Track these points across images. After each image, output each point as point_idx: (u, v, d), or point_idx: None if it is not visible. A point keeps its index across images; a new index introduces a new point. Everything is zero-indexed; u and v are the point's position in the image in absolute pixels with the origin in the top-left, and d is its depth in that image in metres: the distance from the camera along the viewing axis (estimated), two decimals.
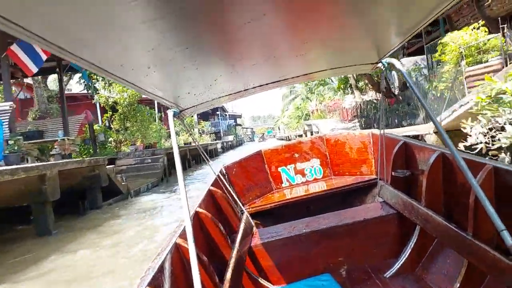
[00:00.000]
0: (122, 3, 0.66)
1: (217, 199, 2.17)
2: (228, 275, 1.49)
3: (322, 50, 1.48)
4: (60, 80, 11.04)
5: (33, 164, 5.64)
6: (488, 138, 3.87)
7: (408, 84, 1.60)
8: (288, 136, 34.62)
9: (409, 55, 14.34)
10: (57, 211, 6.96)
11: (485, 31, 6.76)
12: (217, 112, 40.15)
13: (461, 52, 6.82)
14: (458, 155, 1.28)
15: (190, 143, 17.72)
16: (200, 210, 1.75)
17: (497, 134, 3.75)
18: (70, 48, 0.78)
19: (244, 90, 1.80)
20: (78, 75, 12.85)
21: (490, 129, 3.87)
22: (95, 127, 12.37)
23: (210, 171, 2.44)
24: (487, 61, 6.53)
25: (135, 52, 0.95)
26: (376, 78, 12.57)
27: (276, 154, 3.37)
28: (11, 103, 7.19)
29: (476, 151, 3.96)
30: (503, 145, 3.63)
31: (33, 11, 0.61)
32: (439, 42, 7.96)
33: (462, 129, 4.15)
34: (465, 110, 4.99)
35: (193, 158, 16.43)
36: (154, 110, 17.81)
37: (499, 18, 7.25)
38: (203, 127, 30.62)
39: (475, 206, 1.40)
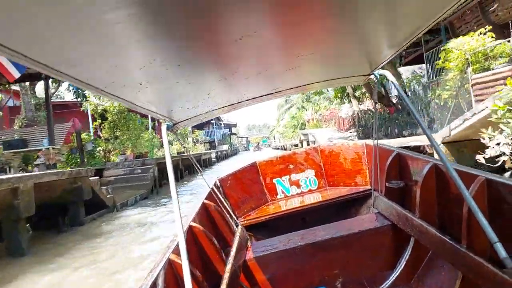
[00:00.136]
0: (110, 23, 0.65)
1: (211, 213, 2.16)
2: None
3: (314, 63, 1.49)
4: (46, 86, 10.56)
5: (5, 176, 5.11)
6: None
7: (399, 95, 1.50)
8: (283, 146, 34.28)
9: (407, 64, 14.18)
10: (36, 227, 6.41)
11: (492, 37, 6.45)
12: (212, 121, 39.65)
13: (467, 59, 6.50)
14: (450, 166, 1.34)
15: (183, 152, 17.21)
16: (194, 224, 1.74)
17: None
18: (56, 65, 0.75)
19: (238, 103, 1.83)
20: (67, 82, 12.38)
21: None
22: (83, 135, 11.80)
23: (204, 182, 2.41)
24: (492, 68, 6.23)
25: (126, 70, 0.95)
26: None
27: (271, 166, 3.34)
28: None
29: (498, 164, 3.56)
30: None
31: (14, 29, 0.59)
32: (442, 49, 7.67)
33: (481, 139, 3.75)
34: (478, 118, 4.61)
35: (186, 169, 15.92)
36: (147, 119, 17.30)
37: (504, 23, 7.00)
38: (197, 136, 30.06)
39: (469, 217, 1.38)
